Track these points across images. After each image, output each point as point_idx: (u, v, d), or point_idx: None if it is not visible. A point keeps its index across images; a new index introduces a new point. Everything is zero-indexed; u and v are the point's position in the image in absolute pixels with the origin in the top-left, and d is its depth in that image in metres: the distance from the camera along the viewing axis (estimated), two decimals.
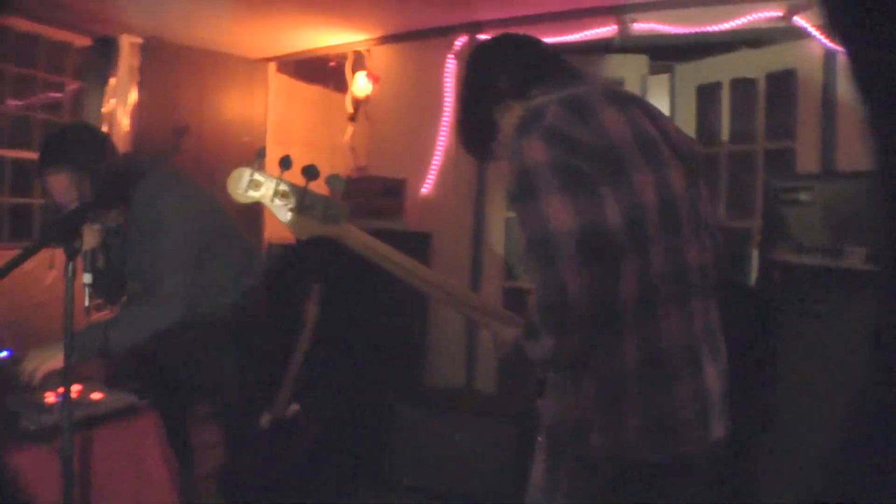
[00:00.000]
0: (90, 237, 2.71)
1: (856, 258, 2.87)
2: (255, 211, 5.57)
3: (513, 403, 4.29)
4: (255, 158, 1.81)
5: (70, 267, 1.98)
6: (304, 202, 1.76)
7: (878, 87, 0.93)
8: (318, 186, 1.74)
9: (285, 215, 1.77)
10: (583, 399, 1.52)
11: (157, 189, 2.77)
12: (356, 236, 1.81)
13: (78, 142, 2.72)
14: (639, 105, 1.68)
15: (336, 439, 4.04)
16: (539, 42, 1.86)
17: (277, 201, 1.77)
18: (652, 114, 1.67)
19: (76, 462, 2.22)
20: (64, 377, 2.04)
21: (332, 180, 1.75)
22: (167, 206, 2.76)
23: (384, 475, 4.05)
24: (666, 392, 1.51)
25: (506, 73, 1.76)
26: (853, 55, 0.96)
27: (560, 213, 1.39)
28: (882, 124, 0.96)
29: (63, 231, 2.02)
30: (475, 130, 1.86)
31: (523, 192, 1.45)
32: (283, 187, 1.77)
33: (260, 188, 1.77)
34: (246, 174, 1.78)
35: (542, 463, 1.66)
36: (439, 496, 3.91)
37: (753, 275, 3.76)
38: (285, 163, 1.72)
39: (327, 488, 3.81)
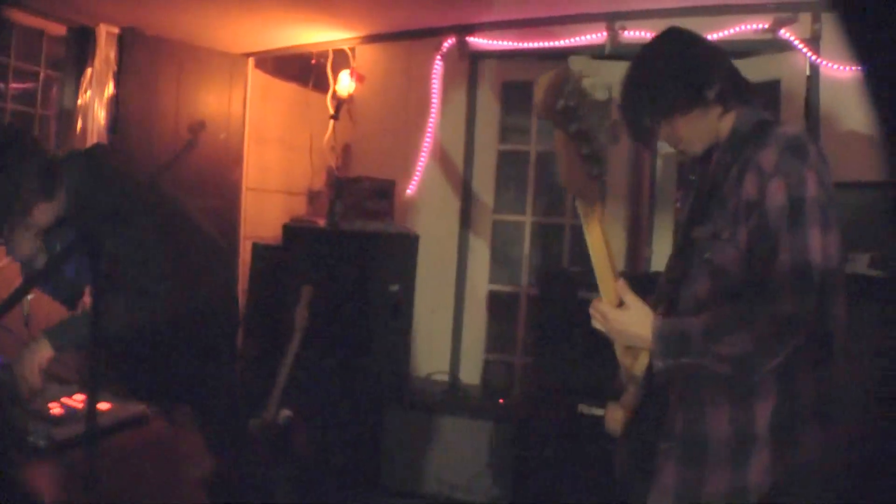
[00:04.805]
0: (24, 245, 2.64)
1: (860, 264, 2.97)
2: (231, 208, 5.48)
3: (498, 403, 4.32)
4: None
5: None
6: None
7: (891, 101, 0.95)
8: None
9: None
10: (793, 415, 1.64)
11: (95, 181, 2.65)
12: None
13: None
14: None
15: (328, 444, 4.00)
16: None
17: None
18: None
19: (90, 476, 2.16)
20: (88, 386, 1.97)
21: (577, 62, 1.59)
22: (113, 200, 2.64)
23: (376, 480, 4.03)
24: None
25: (719, 80, 1.76)
26: (869, 70, 0.98)
27: (818, 247, 1.54)
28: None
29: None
30: (658, 118, 1.82)
31: (791, 219, 1.56)
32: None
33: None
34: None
35: (680, 472, 1.74)
36: (432, 499, 3.91)
37: None
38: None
39: (320, 494, 3.77)
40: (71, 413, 2.32)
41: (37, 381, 2.48)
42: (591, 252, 1.73)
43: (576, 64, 1.54)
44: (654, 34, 1.90)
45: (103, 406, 2.46)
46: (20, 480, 2.04)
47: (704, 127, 1.80)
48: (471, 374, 4.85)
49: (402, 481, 4.01)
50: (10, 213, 2.55)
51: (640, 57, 1.85)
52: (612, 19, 4.33)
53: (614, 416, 1.94)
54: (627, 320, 1.71)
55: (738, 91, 1.79)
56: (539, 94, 1.52)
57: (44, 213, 2.62)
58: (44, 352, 2.50)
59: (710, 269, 1.72)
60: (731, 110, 1.78)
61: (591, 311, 1.79)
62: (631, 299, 1.71)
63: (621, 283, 1.72)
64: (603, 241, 1.71)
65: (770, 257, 1.58)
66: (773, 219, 1.58)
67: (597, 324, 1.80)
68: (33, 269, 2.70)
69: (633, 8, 4.24)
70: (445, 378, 4.76)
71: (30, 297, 2.74)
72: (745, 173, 1.67)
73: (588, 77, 1.53)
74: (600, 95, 1.56)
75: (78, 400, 2.44)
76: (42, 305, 3.07)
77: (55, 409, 2.35)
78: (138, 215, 2.69)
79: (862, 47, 0.98)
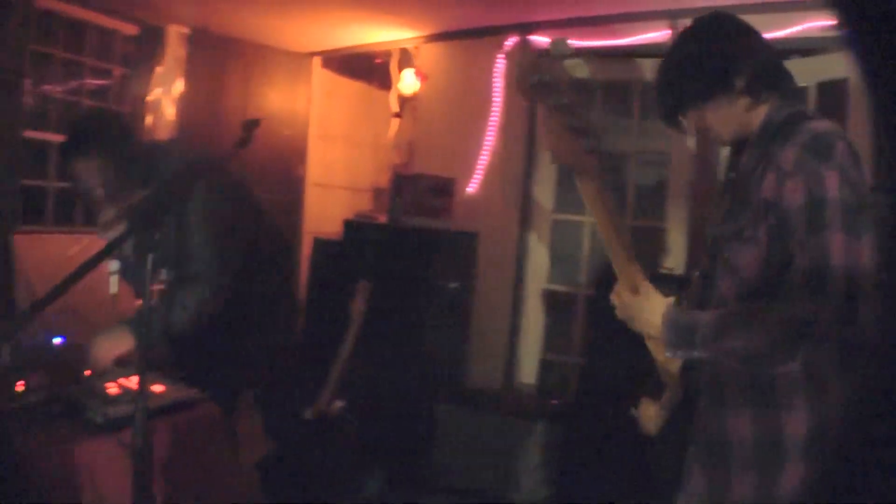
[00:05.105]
0: (114, 230, 2.70)
1: None
2: (294, 203, 5.58)
3: (551, 404, 4.29)
4: None
5: (150, 259, 1.95)
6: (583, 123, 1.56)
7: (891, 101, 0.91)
8: None
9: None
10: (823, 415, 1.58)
11: (185, 174, 2.74)
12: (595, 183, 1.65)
13: (103, 128, 2.73)
14: None
15: (379, 437, 4.03)
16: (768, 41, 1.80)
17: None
18: None
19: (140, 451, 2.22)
20: (139, 367, 2.02)
21: (556, 44, 1.54)
22: (197, 193, 2.70)
23: (425, 475, 4.04)
24: None
25: (750, 70, 1.69)
26: (868, 70, 0.94)
27: (840, 251, 1.46)
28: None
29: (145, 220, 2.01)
30: (681, 104, 1.77)
31: (811, 222, 1.50)
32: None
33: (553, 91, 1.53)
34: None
35: (705, 474, 1.72)
36: (480, 496, 3.90)
37: None
38: None
39: (368, 486, 3.80)
40: (126, 393, 2.40)
41: (107, 367, 2.57)
42: (602, 233, 1.67)
43: (556, 46, 1.53)
44: None
45: (157, 388, 2.54)
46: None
47: (730, 117, 1.73)
48: (527, 373, 4.84)
49: (452, 477, 4.01)
50: (107, 198, 2.66)
51: (673, 43, 1.81)
52: (674, 17, 4.26)
53: (647, 414, 1.90)
54: (640, 307, 1.68)
55: (773, 83, 1.71)
56: (517, 71, 1.52)
57: (136, 199, 2.73)
58: (124, 343, 2.58)
59: (731, 268, 1.67)
60: (764, 102, 1.71)
61: (612, 298, 1.75)
62: (645, 286, 1.67)
63: (637, 267, 1.68)
64: (612, 222, 1.65)
65: (787, 259, 1.53)
66: (791, 220, 1.53)
67: (618, 312, 1.75)
68: (120, 254, 2.80)
69: (695, 6, 4.15)
70: (501, 376, 4.74)
71: (118, 276, 2.82)
72: (766, 171, 1.61)
73: (567, 57, 1.53)
74: (580, 73, 1.57)
75: (134, 382, 2.51)
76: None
77: (112, 388, 2.44)
78: (215, 205, 2.77)
79: (862, 47, 0.97)
